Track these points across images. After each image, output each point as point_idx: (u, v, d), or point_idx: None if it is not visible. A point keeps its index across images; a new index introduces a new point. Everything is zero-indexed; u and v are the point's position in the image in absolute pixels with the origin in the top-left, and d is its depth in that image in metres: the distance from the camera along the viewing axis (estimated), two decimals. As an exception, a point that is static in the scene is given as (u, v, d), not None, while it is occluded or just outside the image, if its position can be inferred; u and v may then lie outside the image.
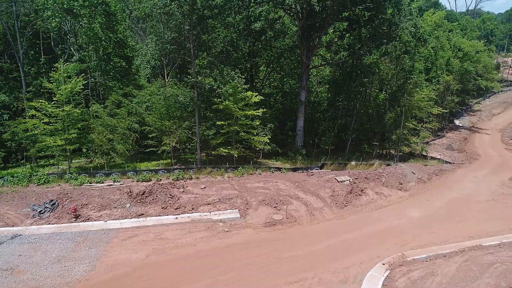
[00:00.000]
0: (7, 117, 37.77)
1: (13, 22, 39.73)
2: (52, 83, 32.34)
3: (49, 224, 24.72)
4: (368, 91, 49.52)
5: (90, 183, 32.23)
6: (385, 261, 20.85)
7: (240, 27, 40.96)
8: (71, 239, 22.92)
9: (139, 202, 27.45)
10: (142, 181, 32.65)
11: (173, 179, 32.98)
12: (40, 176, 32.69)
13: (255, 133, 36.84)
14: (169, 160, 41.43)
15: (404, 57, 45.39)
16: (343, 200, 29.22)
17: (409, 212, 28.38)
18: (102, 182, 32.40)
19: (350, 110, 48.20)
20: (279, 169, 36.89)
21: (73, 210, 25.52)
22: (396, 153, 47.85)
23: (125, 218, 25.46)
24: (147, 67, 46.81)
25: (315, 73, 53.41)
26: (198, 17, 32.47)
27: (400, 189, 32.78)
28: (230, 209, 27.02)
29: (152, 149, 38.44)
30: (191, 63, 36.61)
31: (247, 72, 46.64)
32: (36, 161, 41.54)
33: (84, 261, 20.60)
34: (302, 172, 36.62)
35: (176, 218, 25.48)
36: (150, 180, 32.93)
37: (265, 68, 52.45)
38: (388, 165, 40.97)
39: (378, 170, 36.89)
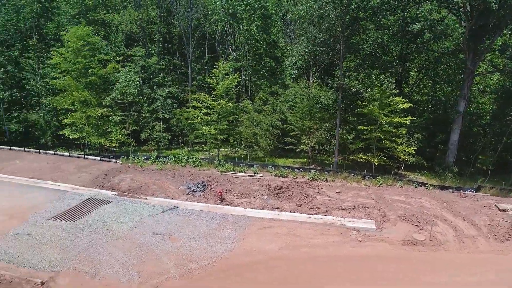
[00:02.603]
0: (175, 106, 44.43)
1: (187, 25, 46.49)
2: (213, 79, 36.59)
3: (199, 202, 28.11)
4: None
5: (234, 171, 35.33)
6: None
7: (394, 29, 38.57)
8: (216, 219, 25.49)
9: (276, 196, 28.76)
10: (280, 176, 34.06)
11: (308, 179, 33.42)
12: (195, 159, 37.47)
13: (399, 142, 34.32)
14: (305, 160, 42.20)
15: None
16: (504, 233, 24.64)
17: None
18: (244, 172, 35.12)
19: (523, 127, 40.17)
20: (423, 184, 33.49)
21: (219, 194, 28.41)
22: None
23: (262, 208, 26.99)
24: (293, 68, 48.52)
25: (477, 80, 46.46)
26: (351, 18, 31.87)
27: None
28: (365, 218, 25.84)
29: (290, 147, 39.78)
30: (337, 64, 36.41)
31: (396, 77, 43.69)
32: (192, 145, 47.74)
33: (225, 241, 22.67)
34: (452, 192, 32.38)
35: (310, 217, 25.71)
36: (287, 176, 34.10)
37: (417, 73, 48.15)
38: None
39: (557, 204, 29.79)
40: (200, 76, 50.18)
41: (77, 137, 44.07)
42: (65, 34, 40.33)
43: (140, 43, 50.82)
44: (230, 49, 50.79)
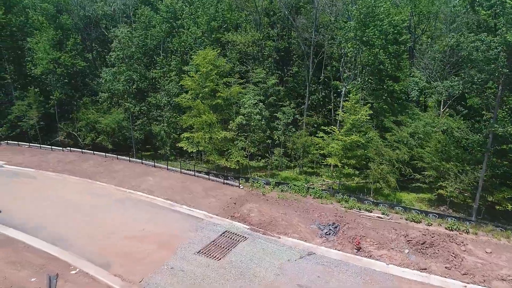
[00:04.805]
0: (293, 129, 44.14)
1: (308, 48, 45.63)
2: (344, 112, 35.25)
3: (335, 249, 27.22)
4: None
5: (359, 209, 33.77)
6: None
7: None
8: (358, 274, 24.35)
9: (419, 252, 26.68)
10: (412, 221, 31.66)
11: (445, 228, 30.58)
12: (316, 190, 36.73)
13: None
14: (429, 195, 39.00)
15: None
16: None
17: None
18: (370, 211, 33.37)
19: None
20: None
21: (357, 243, 27.19)
22: None
23: (407, 267, 25.14)
24: (415, 89, 44.88)
25: None
26: (515, 54, 27.88)
27: None
28: (535, 297, 22.63)
29: (418, 184, 36.98)
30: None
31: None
32: (302, 166, 47.07)
33: (377, 307, 21.51)
34: None
35: (465, 287, 23.29)
36: (420, 222, 31.59)
37: None
38: None
39: None
40: (314, 96, 49.18)
41: (194, 150, 46.43)
42: (196, 58, 42.20)
43: (251, 58, 51.43)
44: (346, 69, 48.69)
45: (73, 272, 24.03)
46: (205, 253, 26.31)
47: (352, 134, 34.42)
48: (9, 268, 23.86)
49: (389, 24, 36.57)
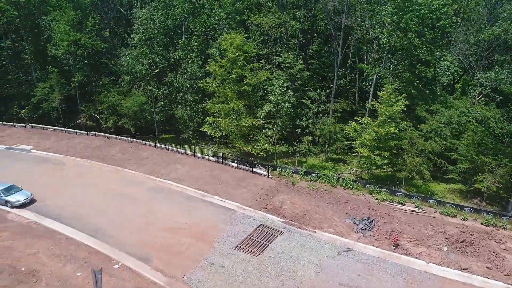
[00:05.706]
0: (321, 116, 43.30)
1: (337, 32, 44.01)
2: (380, 103, 34.18)
3: (372, 245, 27.05)
4: None
5: (392, 201, 33.42)
6: None
7: None
8: (399, 274, 24.26)
9: (458, 250, 26.42)
10: (446, 215, 31.32)
11: (481, 223, 30.22)
12: (346, 181, 36.28)
13: None
14: (460, 186, 38.47)
15: None
16: None
17: None
18: (404, 204, 33.02)
19: None
20: None
21: (395, 240, 27.01)
22: None
23: (447, 266, 24.98)
24: (446, 74, 43.42)
25: None
26: None
27: None
28: None
29: (451, 176, 36.32)
30: None
31: None
32: (327, 153, 46.53)
33: (421, 309, 21.50)
34: None
35: (509, 288, 23.15)
36: (455, 216, 31.24)
37: None
38: None
39: None
40: (340, 81, 47.88)
41: (217, 135, 46.12)
42: (222, 43, 41.00)
43: (273, 39, 49.90)
44: (374, 52, 47.09)
45: (116, 266, 24.33)
46: (243, 248, 26.38)
47: (387, 125, 33.50)
48: (54, 261, 24.25)
49: (427, 8, 34.73)
